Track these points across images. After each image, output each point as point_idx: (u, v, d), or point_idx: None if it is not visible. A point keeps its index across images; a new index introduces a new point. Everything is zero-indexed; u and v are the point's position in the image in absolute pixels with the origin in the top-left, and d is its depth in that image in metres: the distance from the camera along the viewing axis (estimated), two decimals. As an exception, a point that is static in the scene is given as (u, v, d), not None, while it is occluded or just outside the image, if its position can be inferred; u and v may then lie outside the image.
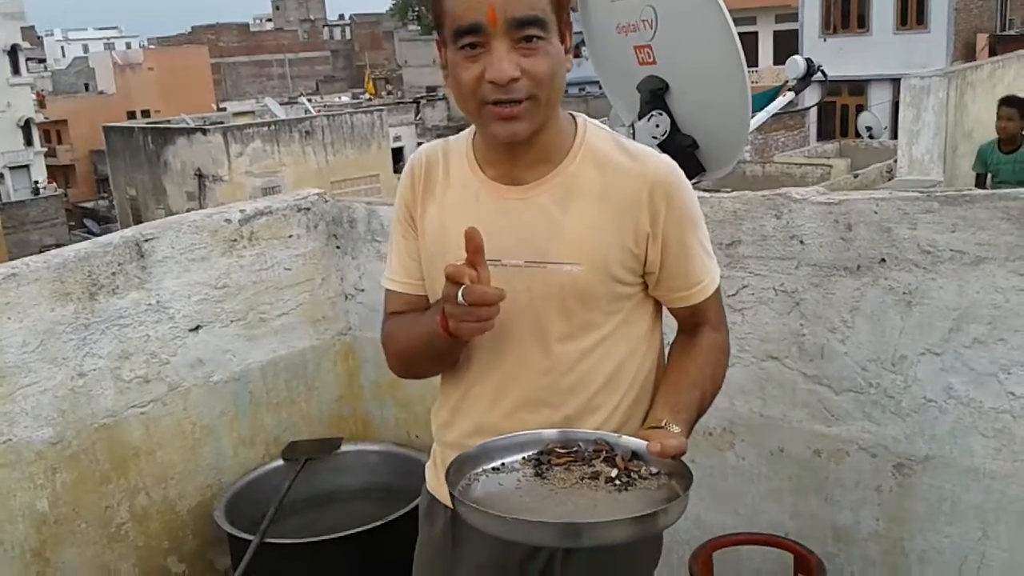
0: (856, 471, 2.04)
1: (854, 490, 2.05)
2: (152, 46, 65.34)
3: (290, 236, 2.89)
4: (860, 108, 22.19)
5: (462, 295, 1.26)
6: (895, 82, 15.19)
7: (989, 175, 6.18)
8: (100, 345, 2.45)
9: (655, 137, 3.23)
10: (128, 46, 66.06)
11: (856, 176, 12.95)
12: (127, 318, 2.50)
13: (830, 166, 15.34)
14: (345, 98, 41.09)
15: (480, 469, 1.35)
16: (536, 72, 1.31)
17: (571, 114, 1.49)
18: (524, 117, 1.33)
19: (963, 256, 1.82)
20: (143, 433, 2.55)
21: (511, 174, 1.43)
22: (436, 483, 1.64)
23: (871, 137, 16.07)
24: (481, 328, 1.30)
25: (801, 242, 2.03)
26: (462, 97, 1.36)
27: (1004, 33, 24.54)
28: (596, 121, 1.51)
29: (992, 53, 20.75)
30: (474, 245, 1.27)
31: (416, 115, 34.90)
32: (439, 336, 1.36)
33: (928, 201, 1.86)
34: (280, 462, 2.78)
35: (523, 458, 1.36)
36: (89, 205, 40.44)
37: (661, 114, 3.26)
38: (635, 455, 1.32)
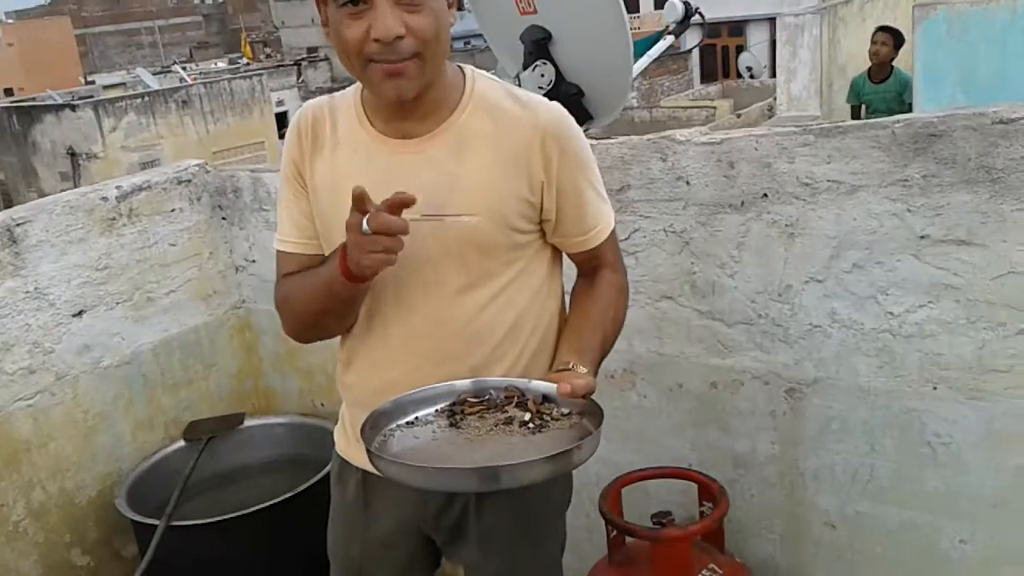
0: (751, 400, 2.12)
1: (750, 418, 2.13)
2: (10, 20, 61.49)
3: (172, 210, 2.78)
4: (740, 49, 22.66)
5: (367, 222, 1.24)
6: (772, 21, 15.59)
7: (863, 106, 6.42)
8: (-24, 338, 2.33)
9: (541, 88, 3.24)
10: (-18, 21, 62.01)
11: (739, 116, 13.31)
12: (4, 308, 2.38)
13: (714, 107, 15.73)
14: (222, 64, 39.59)
15: (394, 424, 1.35)
16: (421, 29, 1.30)
17: (459, 66, 1.48)
18: (411, 75, 1.32)
19: (839, 186, 1.89)
20: (32, 426, 2.44)
21: (402, 128, 1.42)
22: (345, 445, 1.63)
23: (752, 77, 16.45)
24: (385, 260, 1.28)
25: (687, 183, 2.07)
26: (346, 55, 1.33)
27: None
28: (486, 72, 1.50)
29: (860, -12, 21.49)
30: (362, 206, 1.26)
31: (298, 78, 33.92)
32: (340, 282, 1.34)
33: (804, 135, 1.92)
34: (182, 443, 2.70)
35: (436, 410, 1.37)
36: (-46, 192, 38.09)
37: (546, 63, 3.27)
38: (546, 398, 1.35)
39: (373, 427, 1.33)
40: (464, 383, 1.40)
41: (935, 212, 1.80)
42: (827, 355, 1.99)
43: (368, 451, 1.27)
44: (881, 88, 6.29)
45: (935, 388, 1.89)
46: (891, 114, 6.05)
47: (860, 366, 1.96)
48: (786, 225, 1.97)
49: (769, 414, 2.10)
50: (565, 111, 1.46)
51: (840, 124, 1.92)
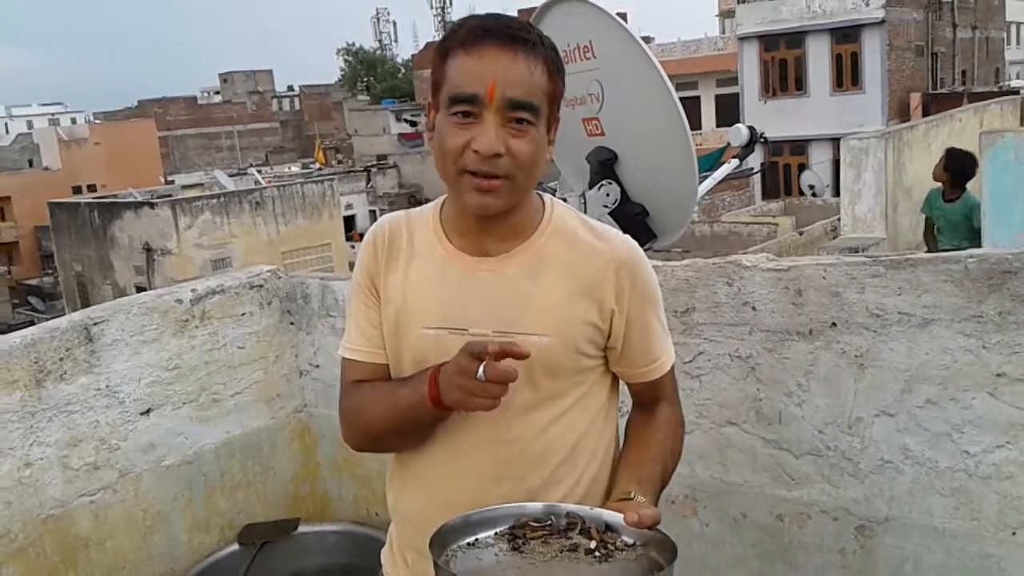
0: (819, 534, 2.05)
1: (818, 553, 2.06)
2: (98, 121, 64.98)
3: (243, 314, 2.86)
4: (802, 167, 22.82)
5: (483, 371, 1.27)
6: (835, 141, 15.70)
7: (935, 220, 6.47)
8: (47, 433, 2.38)
9: (606, 206, 3.29)
10: (73, 121, 65.62)
11: (802, 233, 13.26)
12: (75, 404, 2.44)
13: (776, 224, 15.71)
14: (295, 168, 41.13)
15: (455, 544, 1.33)
16: (520, 153, 1.35)
17: (539, 193, 1.53)
18: (499, 193, 1.37)
19: (911, 318, 1.86)
20: (92, 523, 2.47)
21: (480, 246, 1.46)
22: (392, 569, 1.60)
23: (814, 195, 16.52)
24: (491, 405, 1.31)
25: (753, 308, 2.06)
26: (444, 160, 1.39)
27: (936, 92, 25.56)
28: (561, 201, 1.55)
29: (926, 111, 21.62)
30: (482, 354, 1.29)
31: (367, 183, 35.04)
32: (425, 408, 1.37)
33: (874, 266, 1.90)
34: (236, 546, 2.70)
35: (496, 533, 1.34)
36: (34, 282, 39.57)
37: (611, 183, 3.33)
38: (608, 527, 1.32)
39: (441, 545, 1.30)
40: (534, 506, 1.38)
41: (1012, 350, 1.75)
42: (900, 492, 1.92)
43: (436, 564, 1.25)
44: (949, 208, 6.34)
45: (1014, 533, 1.81)
46: (958, 232, 6.09)
47: (935, 506, 1.89)
48: (856, 356, 1.94)
49: (838, 551, 2.02)
50: (638, 245, 1.51)
51: (911, 256, 1.90)
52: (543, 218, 1.48)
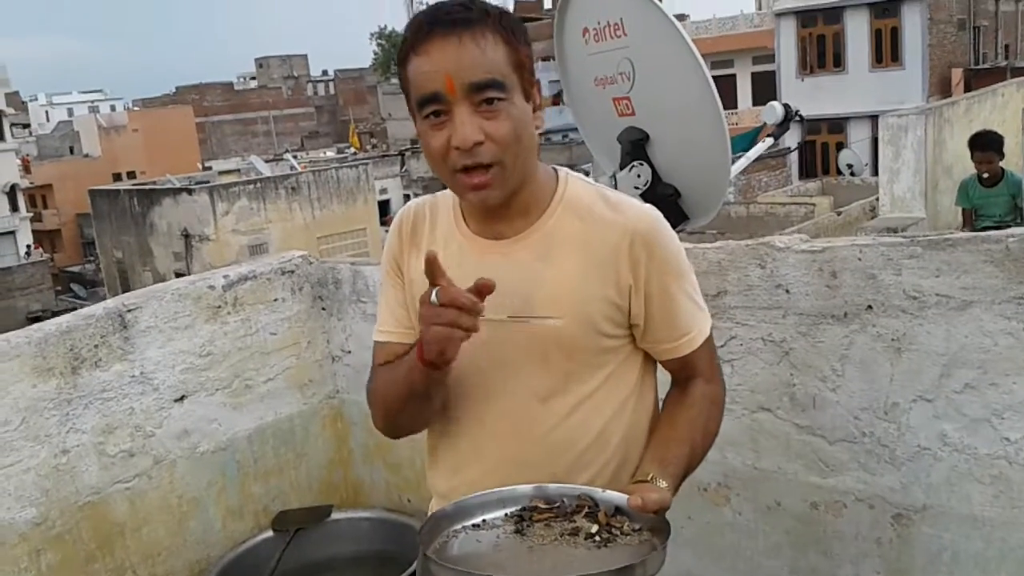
0: (854, 523, 2.01)
1: (853, 543, 2.02)
2: (137, 108, 65.77)
3: (275, 300, 2.87)
4: (840, 146, 22.45)
5: (436, 295, 1.24)
6: (873, 119, 15.42)
7: (974, 210, 6.21)
8: (83, 420, 2.41)
9: (637, 187, 3.24)
10: (113, 108, 66.47)
11: (839, 214, 13.06)
12: (111, 391, 2.47)
13: (813, 204, 15.47)
14: (330, 153, 41.35)
15: (460, 526, 1.33)
16: (499, 135, 1.32)
17: (554, 168, 1.50)
18: (494, 184, 1.35)
19: (949, 300, 1.81)
20: (128, 509, 2.50)
21: (493, 229, 1.45)
22: None
23: (852, 174, 16.23)
24: (448, 335, 1.25)
25: (787, 291, 2.02)
26: (434, 164, 1.37)
27: (978, 67, 24.96)
28: (582, 176, 1.52)
29: (967, 87, 21.10)
30: (434, 278, 1.26)
31: (401, 167, 35.10)
32: (418, 368, 1.33)
33: (911, 246, 1.85)
34: (270, 533, 2.72)
35: (505, 514, 1.34)
36: (76, 269, 40.32)
37: (642, 164, 3.28)
38: (619, 510, 1.30)
39: (432, 529, 1.31)
40: (527, 488, 1.36)
41: (1055, 333, 1.70)
42: (937, 480, 1.88)
43: (423, 555, 1.25)
44: (992, 192, 6.07)
45: (1058, 521, 1.76)
46: (1003, 218, 5.86)
47: (974, 494, 1.84)
48: (892, 339, 1.89)
49: (874, 540, 1.98)
50: (658, 214, 1.46)
51: (949, 236, 1.85)
52: (555, 195, 1.45)
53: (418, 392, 1.40)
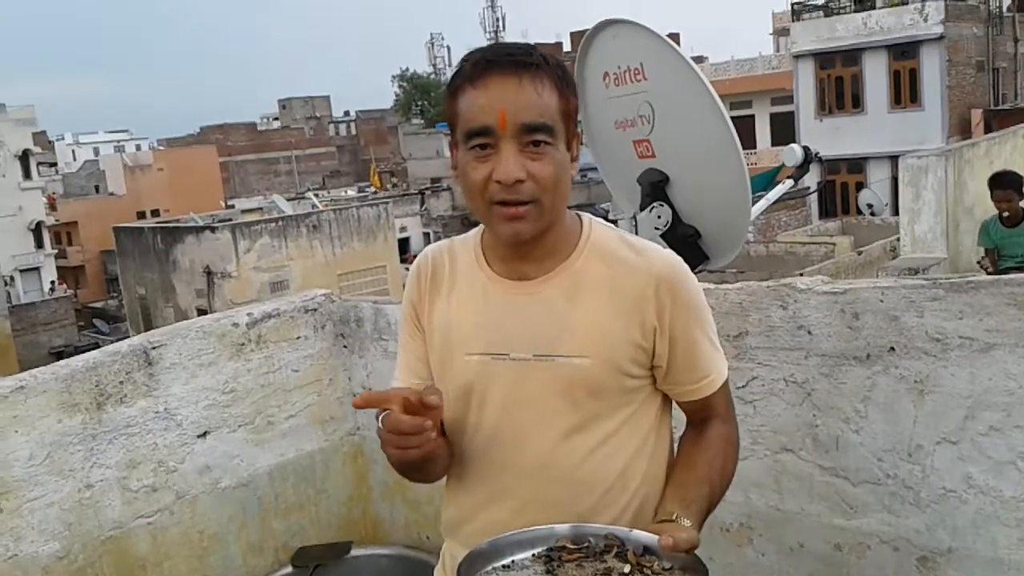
0: (879, 566, 1.99)
1: (878, 585, 2.00)
2: (162, 147, 66.73)
3: (297, 338, 2.89)
4: (860, 185, 22.45)
5: (380, 421, 1.30)
6: (893, 159, 15.42)
7: (996, 250, 6.18)
8: (107, 455, 2.43)
9: (657, 228, 3.26)
10: (138, 148, 67.49)
11: (860, 253, 13.01)
12: (135, 426, 2.49)
13: (833, 244, 15.43)
14: (351, 192, 41.76)
15: (490, 567, 1.33)
16: (541, 176, 1.36)
17: (577, 214, 1.53)
18: (528, 219, 1.37)
19: (972, 343, 1.81)
20: (150, 544, 2.51)
21: (519, 270, 1.46)
22: None
23: (872, 214, 16.21)
24: (400, 456, 1.32)
25: (809, 332, 2.02)
26: (471, 196, 1.40)
27: (998, 108, 24.94)
28: (603, 220, 1.54)
29: (988, 127, 21.07)
30: (387, 404, 1.31)
31: (421, 206, 35.38)
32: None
33: (934, 288, 1.86)
34: (289, 569, 2.72)
35: (533, 555, 1.34)
36: (99, 305, 40.70)
37: (662, 205, 3.31)
38: (647, 550, 1.30)
39: (469, 569, 1.31)
40: (563, 527, 1.37)
41: (1080, 376, 1.69)
42: (962, 523, 1.86)
43: None
44: (1014, 232, 6.05)
45: (1086, 567, 1.73)
46: (1026, 258, 5.82)
47: (999, 537, 1.82)
48: (915, 381, 1.89)
49: (899, 583, 1.96)
50: (679, 258, 1.48)
51: (971, 279, 1.85)
52: (580, 238, 1.48)
53: (416, 469, 1.44)
